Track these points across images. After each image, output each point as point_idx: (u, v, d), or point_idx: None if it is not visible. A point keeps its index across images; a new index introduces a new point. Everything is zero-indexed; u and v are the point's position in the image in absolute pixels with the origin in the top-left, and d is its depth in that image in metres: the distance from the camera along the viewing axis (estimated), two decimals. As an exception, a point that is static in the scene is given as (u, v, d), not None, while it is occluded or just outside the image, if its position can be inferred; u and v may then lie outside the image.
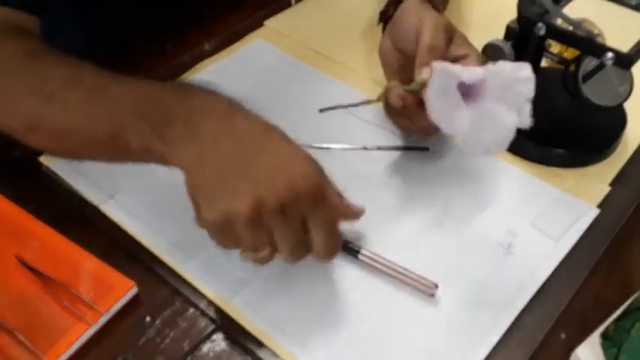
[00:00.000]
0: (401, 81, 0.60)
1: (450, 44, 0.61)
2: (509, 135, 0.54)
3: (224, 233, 0.49)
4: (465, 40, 0.62)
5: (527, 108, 0.54)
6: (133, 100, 0.53)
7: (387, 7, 0.69)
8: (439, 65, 0.54)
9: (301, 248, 0.51)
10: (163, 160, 0.52)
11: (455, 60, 0.60)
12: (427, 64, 0.57)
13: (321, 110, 0.65)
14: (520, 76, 0.53)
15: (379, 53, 0.69)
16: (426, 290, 0.56)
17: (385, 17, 0.69)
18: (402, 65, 0.65)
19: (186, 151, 0.50)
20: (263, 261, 0.51)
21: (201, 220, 0.50)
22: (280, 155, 0.49)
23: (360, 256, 0.58)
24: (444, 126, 0.55)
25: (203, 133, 0.50)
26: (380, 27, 0.71)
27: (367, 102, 0.63)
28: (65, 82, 0.55)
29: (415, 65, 0.59)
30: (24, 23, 0.62)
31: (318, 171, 0.50)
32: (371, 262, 0.57)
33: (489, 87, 0.54)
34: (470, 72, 0.54)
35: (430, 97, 0.55)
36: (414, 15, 0.62)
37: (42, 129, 0.56)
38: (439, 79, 0.54)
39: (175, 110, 0.51)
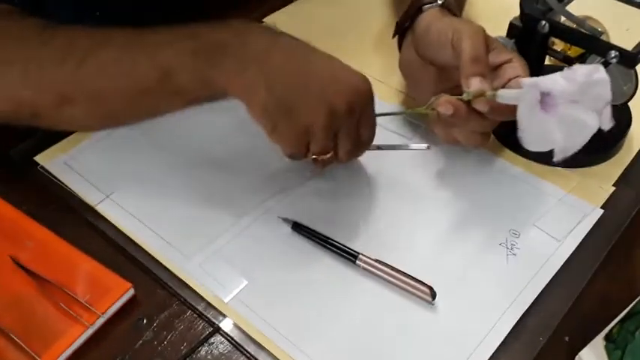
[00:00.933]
0: (433, 92, 0.60)
1: (489, 52, 0.59)
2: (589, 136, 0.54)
3: (301, 143, 0.55)
4: (502, 45, 0.61)
5: (608, 110, 0.54)
6: (175, 40, 0.54)
7: (403, 18, 0.67)
8: (528, 81, 0.53)
9: (357, 147, 0.58)
10: (223, 90, 0.53)
11: (498, 66, 0.59)
12: (474, 74, 0.57)
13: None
14: (595, 78, 0.52)
15: (401, 66, 0.68)
16: (424, 298, 0.55)
17: (402, 29, 0.67)
18: (431, 76, 0.64)
19: (246, 74, 0.52)
20: (326, 164, 0.59)
21: (278, 136, 0.54)
22: (332, 65, 0.55)
23: (358, 262, 0.57)
24: (537, 146, 0.54)
25: (257, 54, 0.52)
26: (386, 30, 0.70)
27: (415, 111, 0.62)
28: (93, 44, 0.55)
29: (461, 77, 0.58)
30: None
31: (363, 77, 0.56)
32: (368, 268, 0.57)
33: (566, 93, 0.53)
34: (554, 83, 0.53)
35: (522, 116, 0.53)
36: (445, 26, 0.61)
37: (76, 97, 0.55)
38: (530, 95, 0.53)
39: (223, 38, 0.53)
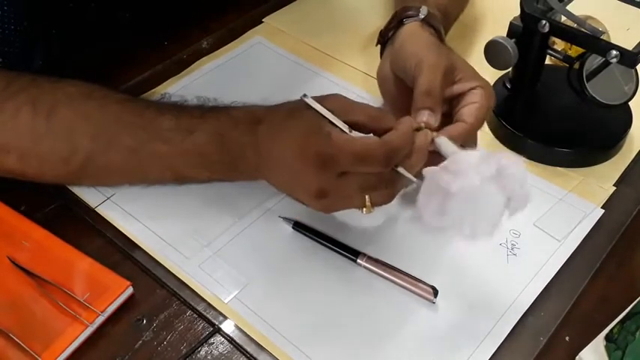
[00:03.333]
0: (398, 108, 0.61)
1: (452, 83, 0.59)
2: (498, 219, 0.50)
3: (330, 208, 0.55)
4: (470, 73, 0.60)
5: (523, 193, 0.50)
6: (183, 156, 0.57)
7: (386, 29, 0.67)
8: (429, 172, 0.51)
9: (376, 186, 0.53)
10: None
11: (460, 95, 0.59)
12: (424, 107, 0.57)
13: None
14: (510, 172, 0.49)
15: (377, 76, 0.68)
16: (426, 297, 0.55)
17: (384, 39, 0.67)
18: (400, 91, 0.63)
19: (259, 177, 0.58)
20: (383, 202, 0.55)
21: (312, 207, 0.55)
22: (285, 159, 0.54)
23: (359, 261, 0.57)
24: (435, 224, 0.51)
25: (265, 156, 0.55)
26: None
27: None
28: (96, 143, 0.57)
29: (412, 108, 0.58)
30: None
31: (313, 143, 0.52)
32: (369, 267, 0.57)
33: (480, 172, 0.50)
34: (461, 180, 0.49)
35: (421, 200, 0.51)
36: (415, 51, 0.60)
37: (86, 184, 0.62)
38: (429, 184, 0.50)
39: (241, 146, 0.56)
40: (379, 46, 0.69)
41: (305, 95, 0.53)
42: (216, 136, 0.56)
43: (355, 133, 0.52)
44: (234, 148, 0.56)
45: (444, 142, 0.54)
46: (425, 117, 0.56)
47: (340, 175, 0.52)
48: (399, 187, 0.54)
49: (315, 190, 0.52)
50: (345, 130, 0.52)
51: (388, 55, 0.65)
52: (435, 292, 0.55)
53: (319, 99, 0.53)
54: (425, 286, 0.55)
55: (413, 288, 0.55)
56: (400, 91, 0.63)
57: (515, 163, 0.50)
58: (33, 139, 0.57)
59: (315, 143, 0.52)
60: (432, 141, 0.55)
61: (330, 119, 0.52)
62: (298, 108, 0.54)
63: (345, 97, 0.54)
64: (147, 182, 0.60)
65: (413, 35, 0.63)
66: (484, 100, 0.58)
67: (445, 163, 0.51)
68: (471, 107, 0.58)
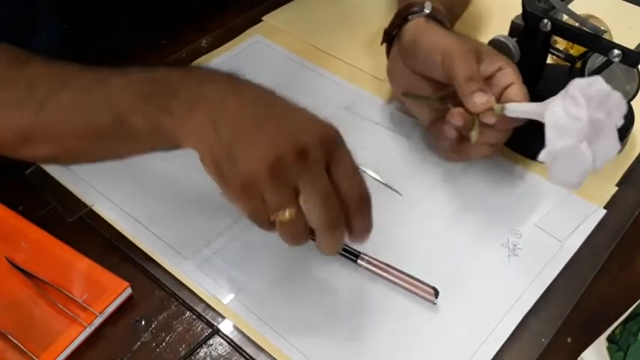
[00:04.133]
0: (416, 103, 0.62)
1: (481, 63, 0.60)
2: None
3: (250, 196, 0.47)
4: (493, 52, 0.61)
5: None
6: (131, 84, 0.51)
7: (391, 27, 0.67)
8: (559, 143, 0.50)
9: (331, 204, 0.47)
10: (173, 137, 0.49)
11: (490, 76, 0.60)
12: (474, 91, 0.57)
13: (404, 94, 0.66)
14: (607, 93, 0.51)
15: (389, 75, 0.68)
16: (426, 297, 0.55)
17: (389, 37, 0.67)
18: (421, 85, 0.64)
19: (195, 120, 0.48)
20: (298, 236, 0.49)
21: (226, 188, 0.48)
22: (291, 108, 0.49)
23: (359, 261, 0.57)
24: (570, 184, 0.53)
25: (210, 98, 0.48)
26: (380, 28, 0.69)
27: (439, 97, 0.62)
28: (54, 85, 0.54)
29: (461, 96, 0.58)
30: None
31: (330, 123, 0.48)
32: (370, 268, 0.56)
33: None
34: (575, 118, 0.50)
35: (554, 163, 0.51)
36: (435, 44, 0.61)
37: (37, 137, 0.55)
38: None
39: (178, 83, 0.50)
40: (384, 44, 0.69)
41: None
42: (157, 74, 0.52)
43: None
44: (196, 74, 0.52)
45: (514, 105, 0.56)
46: (482, 98, 0.57)
47: (326, 166, 0.47)
48: (329, 236, 0.48)
49: (303, 150, 0.45)
50: None
51: (397, 53, 0.65)
52: (436, 293, 0.54)
53: None
54: (425, 287, 0.55)
55: (413, 289, 0.55)
56: (415, 84, 0.64)
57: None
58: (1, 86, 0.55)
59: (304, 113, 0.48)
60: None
61: None
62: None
63: None
64: (88, 139, 0.54)
65: (424, 30, 0.63)
66: (518, 78, 0.59)
67: (559, 103, 0.51)
68: (515, 88, 0.58)
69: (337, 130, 0.48)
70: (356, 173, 0.49)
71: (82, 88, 0.53)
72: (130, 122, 0.50)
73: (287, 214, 0.47)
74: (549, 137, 0.51)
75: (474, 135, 0.58)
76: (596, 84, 0.50)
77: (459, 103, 0.60)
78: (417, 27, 0.63)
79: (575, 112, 0.50)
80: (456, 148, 0.62)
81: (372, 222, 0.50)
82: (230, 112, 0.48)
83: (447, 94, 0.62)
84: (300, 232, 0.49)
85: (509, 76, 0.59)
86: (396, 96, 0.70)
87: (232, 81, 0.50)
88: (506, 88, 0.59)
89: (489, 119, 0.57)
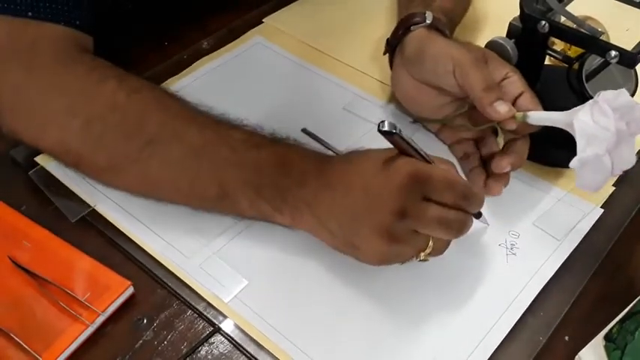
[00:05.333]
0: (433, 109, 0.64)
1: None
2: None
3: (390, 264, 0.54)
4: (497, 59, 0.62)
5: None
6: (242, 166, 0.55)
7: (393, 37, 0.67)
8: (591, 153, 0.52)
9: (448, 223, 0.51)
10: (284, 226, 0.57)
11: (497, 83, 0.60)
12: (494, 100, 0.58)
13: (413, 121, 0.69)
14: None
15: (393, 85, 0.68)
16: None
17: (392, 47, 0.68)
18: (429, 94, 0.64)
19: (302, 221, 0.55)
20: (444, 249, 0.55)
21: (366, 262, 0.54)
22: (367, 181, 0.52)
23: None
24: (593, 189, 0.54)
25: (310, 202, 0.54)
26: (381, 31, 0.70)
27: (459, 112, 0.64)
28: (165, 131, 0.56)
29: (480, 107, 0.58)
30: (81, 40, 0.63)
31: (397, 167, 0.51)
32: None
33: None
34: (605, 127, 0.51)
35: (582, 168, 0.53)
36: (442, 53, 0.61)
37: (131, 171, 0.57)
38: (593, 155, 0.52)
39: (283, 181, 0.55)
40: (386, 54, 0.69)
41: (382, 123, 0.49)
42: (280, 157, 0.56)
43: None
44: (295, 173, 0.55)
45: (536, 114, 0.57)
46: (505, 107, 0.57)
47: (423, 200, 0.51)
48: (465, 230, 0.53)
49: (398, 209, 0.50)
50: (427, 159, 0.52)
51: (402, 63, 0.66)
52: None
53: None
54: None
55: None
56: (423, 94, 0.64)
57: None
58: (107, 107, 0.57)
59: (404, 164, 0.51)
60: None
61: (413, 146, 0.51)
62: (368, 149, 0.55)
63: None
64: (186, 196, 0.58)
65: (428, 39, 0.63)
66: (526, 86, 0.60)
67: (587, 111, 0.52)
68: (527, 97, 0.59)
69: (407, 169, 0.51)
70: (445, 183, 0.51)
71: (192, 150, 0.56)
72: (237, 202, 0.56)
73: (422, 255, 0.53)
74: (580, 145, 0.52)
75: (500, 141, 0.59)
76: (621, 96, 0.52)
77: (471, 118, 0.62)
78: (420, 37, 0.64)
79: (603, 122, 0.51)
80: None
81: (483, 198, 0.54)
82: (327, 211, 0.54)
83: (457, 114, 0.63)
84: (444, 248, 0.55)
85: (516, 84, 0.60)
86: (405, 110, 0.70)
87: (320, 171, 0.55)
88: (517, 97, 0.59)
89: (511, 125, 0.58)
